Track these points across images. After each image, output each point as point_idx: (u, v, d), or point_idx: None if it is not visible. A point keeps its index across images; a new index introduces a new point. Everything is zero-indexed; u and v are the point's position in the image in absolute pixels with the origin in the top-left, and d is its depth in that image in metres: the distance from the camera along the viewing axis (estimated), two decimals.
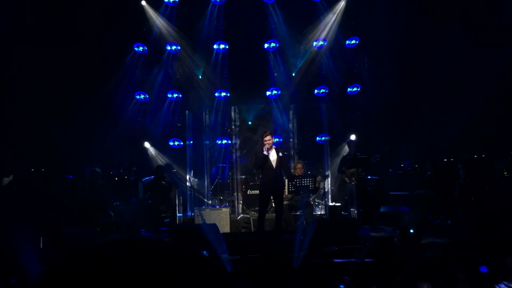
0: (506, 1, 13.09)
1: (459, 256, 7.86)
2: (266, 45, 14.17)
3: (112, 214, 11.50)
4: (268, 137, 9.61)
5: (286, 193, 10.97)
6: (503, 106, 12.96)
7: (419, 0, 13.71)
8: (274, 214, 10.08)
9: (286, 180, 10.68)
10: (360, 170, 11.94)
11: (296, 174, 11.34)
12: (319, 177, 12.13)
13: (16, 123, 12.84)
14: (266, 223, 10.25)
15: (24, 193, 10.54)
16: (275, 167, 9.67)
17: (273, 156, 9.70)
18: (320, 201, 12.94)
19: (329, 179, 13.09)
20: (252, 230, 11.54)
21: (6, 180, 10.76)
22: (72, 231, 9.73)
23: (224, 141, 13.73)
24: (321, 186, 12.36)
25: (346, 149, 13.40)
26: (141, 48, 14.28)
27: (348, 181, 12.29)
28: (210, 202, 13.18)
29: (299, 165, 11.78)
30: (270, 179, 9.66)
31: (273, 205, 10.27)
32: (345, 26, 14.35)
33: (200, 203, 12.99)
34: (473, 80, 12.91)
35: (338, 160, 13.25)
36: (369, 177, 12.31)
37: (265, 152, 9.55)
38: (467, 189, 10.96)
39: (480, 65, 12.71)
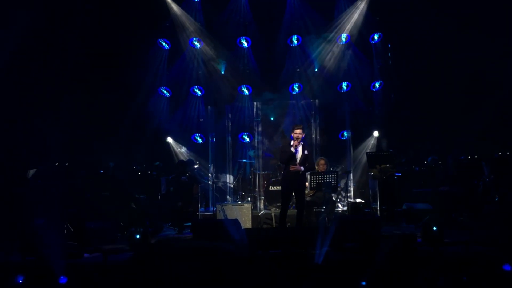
0: None
1: (483, 254, 7.78)
2: (289, 41, 14.14)
3: (136, 208, 11.58)
4: (299, 130, 9.64)
5: (308, 189, 10.94)
6: None
7: None
8: (296, 210, 10.08)
9: (308, 176, 10.65)
10: (390, 166, 11.81)
11: (319, 171, 11.31)
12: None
13: (41, 117, 12.96)
14: (288, 219, 10.23)
15: (48, 186, 10.65)
16: (299, 164, 9.67)
17: (298, 153, 9.72)
18: (342, 197, 12.89)
19: (351, 175, 13.03)
20: (274, 226, 11.54)
21: (30, 173, 10.91)
22: (96, 225, 9.86)
23: (246, 137, 13.74)
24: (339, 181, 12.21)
25: (368, 145, 13.33)
26: (164, 44, 14.35)
27: (375, 177, 12.15)
28: (231, 197, 13.23)
29: (322, 161, 11.74)
30: (292, 175, 9.67)
31: (295, 201, 10.26)
32: (369, 21, 14.23)
33: (222, 199, 13.02)
34: (499, 76, 12.74)
35: (361, 157, 13.19)
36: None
37: (292, 149, 9.57)
38: (491, 186, 10.85)
39: (506, 60, 12.55)
